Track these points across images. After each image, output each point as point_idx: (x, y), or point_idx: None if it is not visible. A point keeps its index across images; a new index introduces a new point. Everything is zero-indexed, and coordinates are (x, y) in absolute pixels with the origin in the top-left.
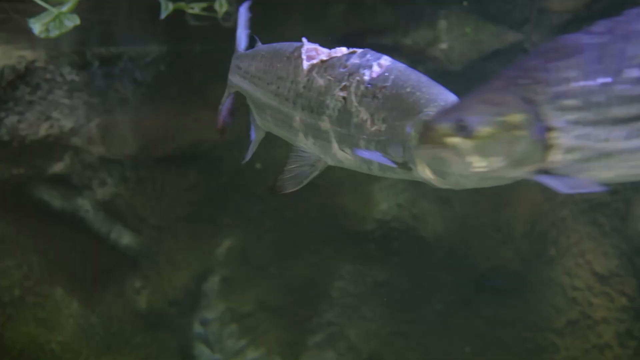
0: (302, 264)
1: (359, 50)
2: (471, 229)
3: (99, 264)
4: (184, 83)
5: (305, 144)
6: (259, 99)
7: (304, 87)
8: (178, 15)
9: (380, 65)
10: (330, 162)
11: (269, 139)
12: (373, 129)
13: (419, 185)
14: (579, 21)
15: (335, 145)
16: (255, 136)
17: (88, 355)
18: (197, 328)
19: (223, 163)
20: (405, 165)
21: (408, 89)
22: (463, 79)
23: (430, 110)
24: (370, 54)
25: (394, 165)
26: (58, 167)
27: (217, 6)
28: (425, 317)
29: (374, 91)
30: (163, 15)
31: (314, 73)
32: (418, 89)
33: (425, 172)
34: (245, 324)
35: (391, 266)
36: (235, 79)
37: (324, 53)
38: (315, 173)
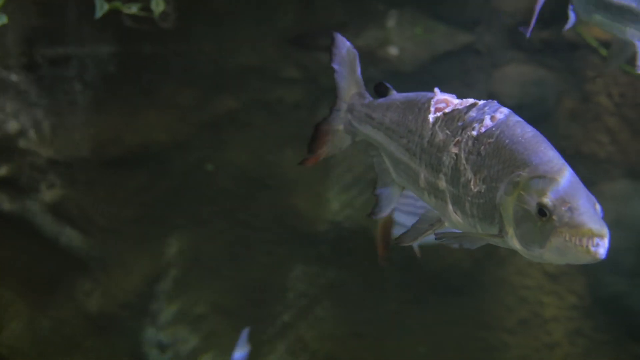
0: (255, 266)
1: (482, 102)
2: None
3: (48, 267)
4: (133, 84)
5: (429, 203)
6: (393, 153)
7: (428, 142)
8: (127, 16)
9: (492, 118)
10: (447, 224)
11: (223, 140)
12: (475, 190)
13: (370, 186)
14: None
15: (450, 207)
16: (387, 191)
17: (38, 359)
18: (149, 331)
19: (173, 164)
20: (498, 235)
21: (508, 146)
22: (414, 80)
23: (522, 171)
24: (489, 106)
25: (493, 234)
26: (5, 170)
27: (153, 6)
28: (379, 317)
29: (479, 148)
30: (98, 15)
31: (436, 127)
32: (517, 145)
33: (513, 242)
34: (198, 326)
35: (345, 267)
36: (366, 129)
37: (453, 104)
38: (430, 232)
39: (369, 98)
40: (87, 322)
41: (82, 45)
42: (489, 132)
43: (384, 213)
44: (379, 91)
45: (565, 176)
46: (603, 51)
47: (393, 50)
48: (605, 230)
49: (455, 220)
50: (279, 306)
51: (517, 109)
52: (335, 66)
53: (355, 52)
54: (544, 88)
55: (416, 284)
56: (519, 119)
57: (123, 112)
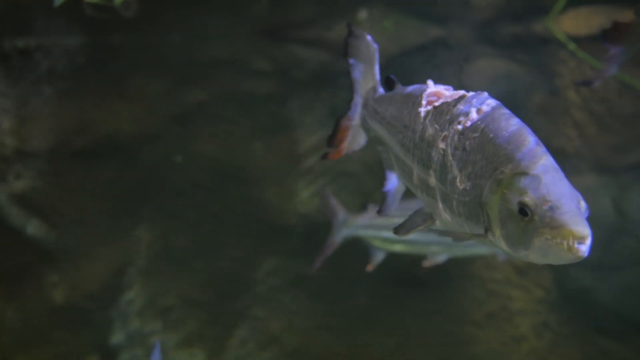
0: (225, 258)
1: (471, 94)
2: None
3: (14, 258)
4: (102, 75)
5: (423, 200)
6: (392, 149)
7: (419, 137)
8: (88, 5)
9: (479, 111)
10: (438, 223)
11: (192, 132)
12: (461, 187)
13: (341, 180)
14: (501, 17)
15: (440, 205)
16: (393, 188)
17: (4, 351)
18: (116, 322)
19: (142, 156)
20: (484, 235)
21: (492, 141)
22: (384, 74)
23: (505, 168)
24: (477, 98)
25: (479, 234)
26: None
27: None
28: (349, 310)
29: (464, 142)
30: (57, 3)
31: (427, 121)
32: (501, 139)
33: (500, 243)
34: (167, 318)
35: (315, 260)
36: (374, 125)
37: (445, 97)
38: (421, 227)
39: (380, 92)
40: (54, 314)
41: (51, 36)
42: (474, 126)
43: (392, 211)
44: (387, 85)
45: (549, 172)
46: (571, 46)
47: None
48: (586, 231)
49: (445, 219)
50: (249, 298)
51: None
52: (351, 60)
53: (375, 46)
54: (514, 82)
55: (386, 278)
56: (506, 111)
57: (91, 103)
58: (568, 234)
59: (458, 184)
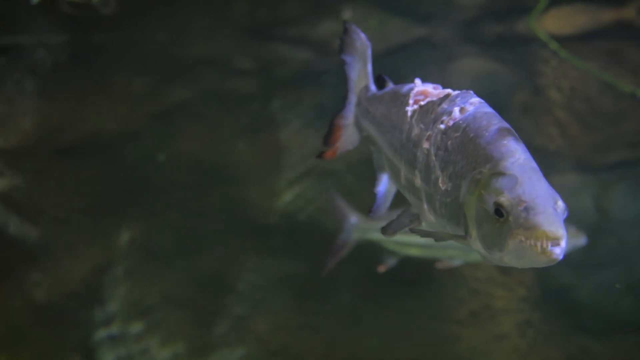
0: (208, 257)
1: (455, 92)
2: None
3: None
4: (84, 73)
5: (410, 200)
6: (382, 148)
7: (406, 137)
8: (74, 5)
9: (462, 110)
10: (424, 224)
11: (174, 130)
12: (443, 188)
13: (324, 178)
14: (485, 16)
15: (425, 205)
16: (383, 189)
17: None
18: (98, 321)
19: (124, 154)
20: (464, 237)
21: (472, 141)
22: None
23: (483, 168)
24: (461, 97)
25: (460, 236)
26: None
27: None
28: (332, 309)
29: (446, 142)
30: (34, 2)
31: (413, 121)
32: (481, 139)
33: (477, 244)
34: (149, 317)
35: (298, 258)
36: (365, 124)
37: (432, 96)
38: (408, 227)
39: (372, 91)
40: (35, 312)
41: (34, 34)
42: (456, 126)
43: (382, 212)
44: (379, 84)
45: (526, 173)
46: (553, 45)
47: None
48: (560, 232)
49: (429, 220)
50: (232, 297)
51: None
52: (346, 58)
53: (368, 44)
54: (497, 81)
55: (369, 277)
56: (489, 110)
57: (74, 101)
58: (542, 234)
59: (440, 184)
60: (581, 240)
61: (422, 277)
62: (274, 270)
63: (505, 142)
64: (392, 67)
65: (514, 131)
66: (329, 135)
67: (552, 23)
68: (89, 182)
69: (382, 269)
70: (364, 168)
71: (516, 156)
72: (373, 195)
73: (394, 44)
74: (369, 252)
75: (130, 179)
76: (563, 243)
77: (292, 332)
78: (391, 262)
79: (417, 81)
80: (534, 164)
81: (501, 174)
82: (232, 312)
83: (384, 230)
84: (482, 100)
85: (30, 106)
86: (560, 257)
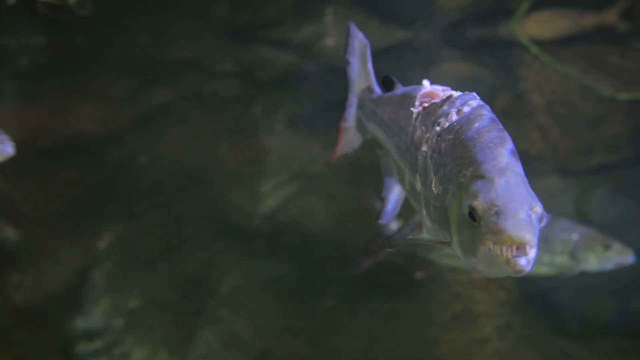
0: (190, 260)
1: (457, 94)
2: (358, 225)
3: None
4: (65, 75)
5: (413, 206)
6: (390, 152)
7: (410, 139)
8: (50, 6)
9: (459, 112)
10: (425, 231)
11: (156, 133)
12: (435, 192)
13: (306, 181)
14: (467, 20)
15: (424, 210)
16: (391, 194)
17: None
18: (78, 324)
19: (106, 157)
20: (449, 242)
21: (461, 143)
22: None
23: (467, 171)
24: (461, 99)
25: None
26: None
27: None
28: (315, 313)
29: (440, 145)
30: (10, 2)
31: (416, 123)
32: (469, 142)
33: (458, 250)
34: (130, 319)
35: (280, 261)
36: (371, 126)
37: (437, 98)
38: (410, 236)
39: (377, 92)
40: (15, 315)
41: (14, 35)
42: (450, 128)
43: (391, 218)
44: (385, 86)
45: (505, 176)
46: (534, 49)
47: (329, 44)
48: (527, 238)
49: (427, 226)
50: (214, 300)
51: None
52: (349, 58)
53: (366, 42)
54: (479, 85)
55: (351, 280)
56: (484, 112)
57: (54, 103)
58: (507, 240)
59: (433, 188)
60: (628, 257)
61: (405, 280)
62: (256, 273)
63: (491, 144)
64: (374, 71)
65: (505, 134)
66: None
67: (534, 27)
68: (71, 184)
69: (419, 275)
70: (349, 172)
71: (498, 159)
72: (382, 200)
73: (376, 47)
74: (352, 255)
75: (111, 181)
76: (530, 252)
77: (275, 335)
78: (429, 269)
79: (425, 82)
80: (516, 168)
81: (480, 177)
82: (214, 315)
83: (387, 243)
84: (481, 103)
85: (10, 108)
86: (526, 268)
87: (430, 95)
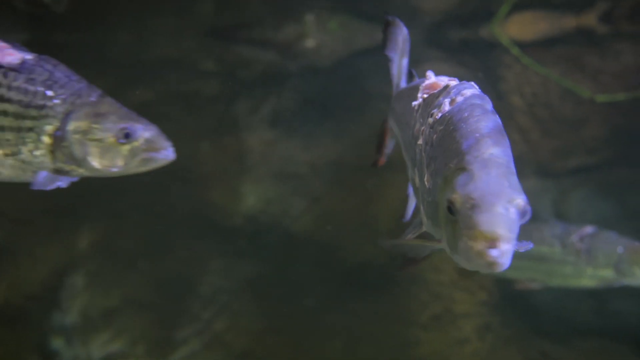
0: (170, 259)
1: (453, 84)
2: (339, 225)
3: None
4: None
5: (417, 203)
6: (402, 147)
7: (412, 133)
8: (30, 1)
9: (452, 102)
10: (425, 228)
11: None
12: (428, 186)
13: (288, 180)
14: (450, 21)
15: (421, 206)
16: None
17: None
18: (57, 323)
19: None
20: (437, 240)
21: (450, 135)
22: (333, 75)
23: (452, 164)
24: (456, 89)
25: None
26: None
27: None
28: (296, 313)
29: (432, 137)
30: None
31: (417, 115)
32: (457, 132)
33: (445, 246)
34: (110, 319)
35: (261, 261)
36: (391, 123)
37: (437, 89)
38: (411, 235)
39: (401, 87)
40: None
41: None
42: (441, 119)
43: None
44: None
45: (486, 168)
46: (515, 50)
47: (310, 43)
48: (499, 233)
49: (424, 223)
50: (195, 300)
51: None
52: (391, 54)
53: (408, 38)
54: None
55: (333, 280)
56: (477, 101)
57: None
58: (479, 235)
59: (426, 182)
60: None
61: (385, 280)
62: (237, 273)
63: (477, 134)
64: (356, 70)
65: (495, 124)
66: (379, 142)
67: (515, 29)
68: None
69: (520, 286)
70: (331, 172)
71: (481, 150)
72: (405, 198)
73: (358, 47)
74: (333, 255)
75: (91, 179)
76: (504, 246)
77: (256, 335)
78: (532, 284)
79: (429, 74)
80: (501, 160)
81: (463, 169)
82: (195, 315)
83: (395, 247)
84: (476, 92)
85: None
86: (499, 261)
87: (432, 87)
